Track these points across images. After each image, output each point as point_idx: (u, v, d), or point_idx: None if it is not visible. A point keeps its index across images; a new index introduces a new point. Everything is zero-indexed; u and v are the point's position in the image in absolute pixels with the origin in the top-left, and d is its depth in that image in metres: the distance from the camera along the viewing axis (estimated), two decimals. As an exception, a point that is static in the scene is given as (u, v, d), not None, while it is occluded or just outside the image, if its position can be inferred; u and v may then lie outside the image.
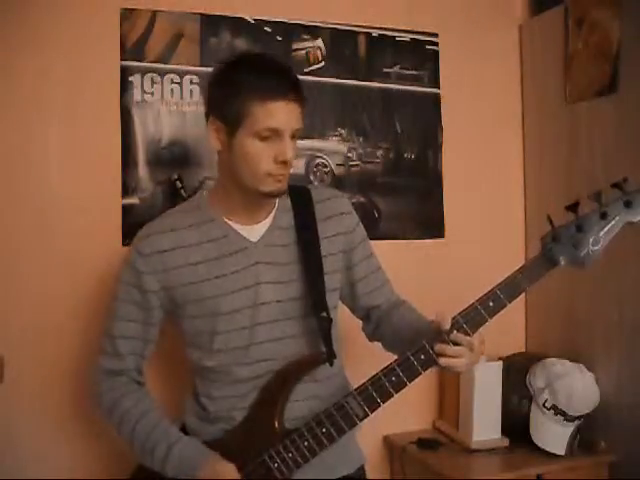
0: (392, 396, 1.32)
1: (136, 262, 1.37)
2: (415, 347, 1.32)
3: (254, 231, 1.40)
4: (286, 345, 1.39)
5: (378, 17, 2.18)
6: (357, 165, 2.17)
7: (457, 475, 1.89)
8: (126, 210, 1.90)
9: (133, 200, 1.91)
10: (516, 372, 2.08)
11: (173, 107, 1.95)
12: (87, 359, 1.82)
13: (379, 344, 1.57)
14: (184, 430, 1.44)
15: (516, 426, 2.01)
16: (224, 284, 1.37)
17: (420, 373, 1.32)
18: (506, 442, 2.01)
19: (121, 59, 1.90)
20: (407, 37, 2.22)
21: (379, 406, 1.33)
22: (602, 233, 1.27)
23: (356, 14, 2.15)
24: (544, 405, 1.98)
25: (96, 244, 1.87)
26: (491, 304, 1.31)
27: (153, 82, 1.93)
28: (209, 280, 1.36)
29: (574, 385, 1.96)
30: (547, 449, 1.95)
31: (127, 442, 1.40)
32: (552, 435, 1.97)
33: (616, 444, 1.98)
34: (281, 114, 1.29)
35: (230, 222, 1.40)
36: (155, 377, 1.74)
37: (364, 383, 1.33)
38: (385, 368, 1.33)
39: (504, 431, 2.02)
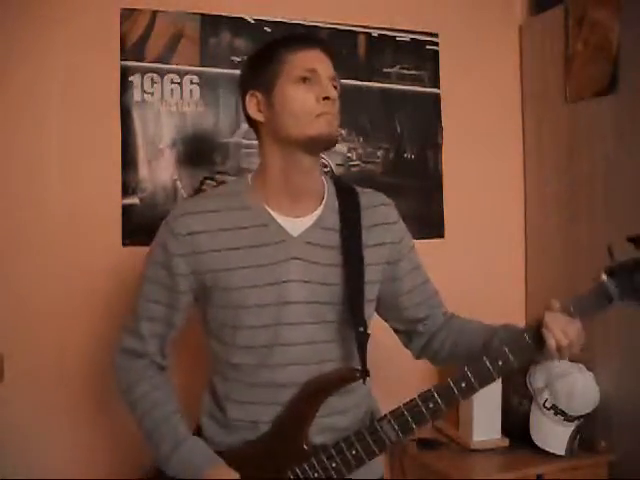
0: (427, 422, 1.27)
1: (168, 243, 1.29)
2: (457, 375, 1.25)
3: (296, 225, 1.31)
4: (315, 351, 1.30)
5: (378, 17, 2.18)
6: (357, 165, 2.17)
7: (457, 475, 1.89)
8: (126, 210, 1.89)
9: (133, 200, 1.91)
10: (516, 372, 2.07)
11: (173, 107, 1.95)
12: (87, 358, 1.83)
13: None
14: (199, 432, 1.37)
15: (516, 426, 2.01)
16: (253, 276, 1.28)
17: (459, 401, 1.26)
18: (506, 442, 2.01)
19: (121, 59, 1.90)
20: (407, 37, 2.22)
21: (413, 432, 1.27)
22: None
23: (356, 14, 2.15)
24: (544, 405, 1.98)
25: (96, 244, 1.87)
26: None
27: (153, 82, 1.93)
28: (239, 269, 1.28)
29: (574, 385, 1.96)
30: (547, 449, 1.95)
31: (138, 427, 1.35)
32: (552, 435, 1.97)
33: (616, 444, 1.97)
34: (315, 58, 1.28)
35: (271, 211, 1.31)
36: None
37: (399, 407, 1.26)
38: (423, 394, 1.26)
39: (504, 431, 2.02)
